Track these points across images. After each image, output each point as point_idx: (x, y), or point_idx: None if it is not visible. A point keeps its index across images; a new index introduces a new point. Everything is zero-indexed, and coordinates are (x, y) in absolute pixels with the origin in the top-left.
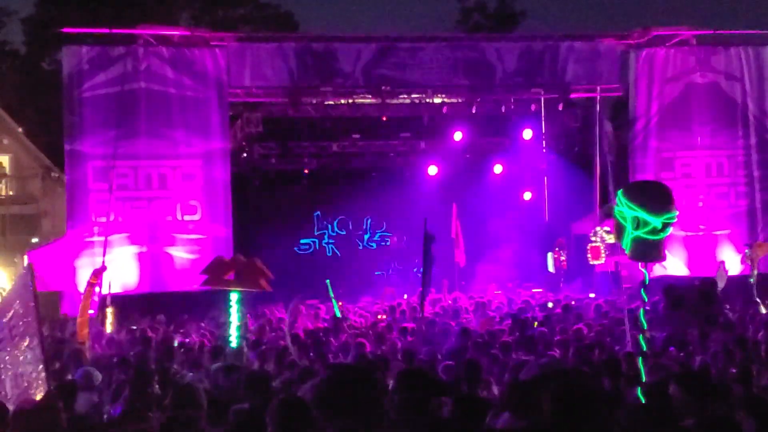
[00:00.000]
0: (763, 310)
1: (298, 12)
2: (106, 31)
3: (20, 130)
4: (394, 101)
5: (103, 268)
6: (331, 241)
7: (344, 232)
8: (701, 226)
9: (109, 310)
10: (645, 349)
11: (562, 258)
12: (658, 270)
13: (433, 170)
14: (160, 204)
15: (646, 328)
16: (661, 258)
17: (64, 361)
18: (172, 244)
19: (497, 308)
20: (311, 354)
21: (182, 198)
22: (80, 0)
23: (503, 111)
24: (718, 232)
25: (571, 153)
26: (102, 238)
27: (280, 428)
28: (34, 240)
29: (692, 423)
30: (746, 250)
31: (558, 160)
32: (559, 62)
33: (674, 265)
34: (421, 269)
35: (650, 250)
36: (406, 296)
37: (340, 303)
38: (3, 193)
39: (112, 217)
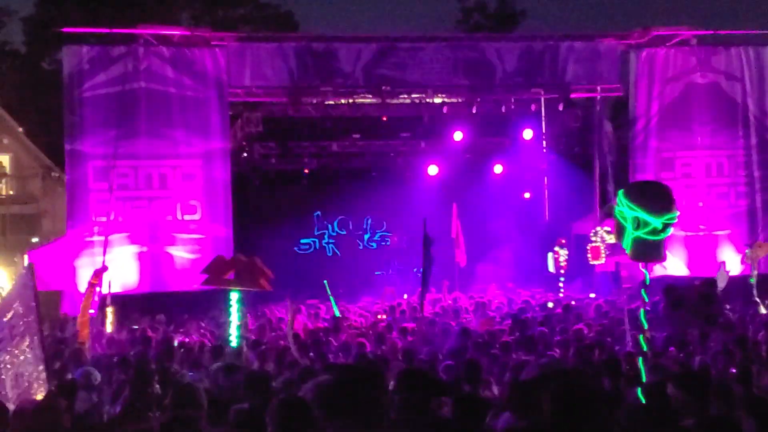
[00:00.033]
0: (763, 311)
1: (298, 12)
2: (106, 30)
3: (20, 129)
4: (395, 101)
5: (104, 268)
6: (331, 240)
7: (344, 232)
8: (701, 227)
9: (110, 310)
10: (645, 349)
11: (562, 259)
12: (658, 270)
13: (433, 170)
14: (161, 204)
15: (646, 328)
16: (661, 258)
17: (64, 361)
18: (173, 243)
19: (497, 308)
20: (311, 354)
21: (182, 198)
22: (80, 0)
23: (503, 111)
24: (719, 233)
25: (572, 153)
26: (102, 238)
27: (280, 428)
28: (35, 240)
29: (692, 423)
30: (746, 251)
31: (558, 160)
32: (560, 62)
33: (674, 265)
34: (421, 269)
35: (651, 251)
36: (406, 296)
37: (341, 303)
38: (3, 192)
39: (112, 217)
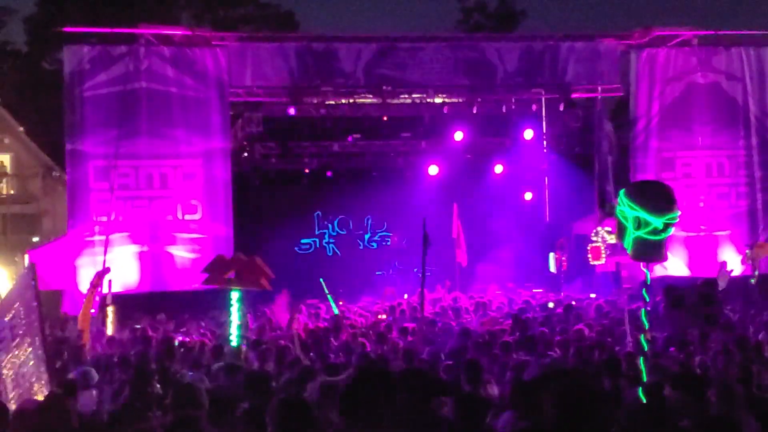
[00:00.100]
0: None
1: (298, 12)
2: (107, 30)
3: (21, 129)
4: (395, 101)
5: (106, 270)
6: (331, 240)
7: (345, 232)
8: (702, 227)
9: (110, 309)
10: (646, 349)
11: (563, 258)
12: (658, 270)
13: (433, 170)
14: (161, 203)
15: (647, 328)
16: (662, 258)
17: (65, 361)
18: (173, 243)
19: (498, 308)
20: (311, 353)
21: (183, 197)
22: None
23: (504, 111)
24: (719, 233)
25: (572, 153)
26: (103, 238)
27: (280, 428)
28: (35, 239)
29: (691, 423)
30: (747, 251)
31: (559, 160)
32: (560, 62)
33: (675, 265)
34: (421, 269)
35: (652, 250)
36: (406, 296)
37: (341, 302)
38: (4, 192)
39: (113, 217)
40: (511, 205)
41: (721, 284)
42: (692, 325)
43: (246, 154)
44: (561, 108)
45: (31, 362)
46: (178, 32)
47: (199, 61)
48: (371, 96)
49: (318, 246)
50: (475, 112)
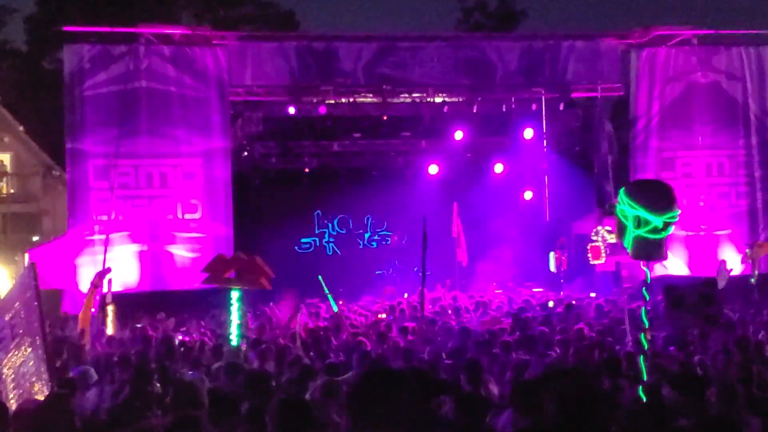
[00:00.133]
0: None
1: (299, 11)
2: (107, 29)
3: (21, 128)
4: (395, 100)
5: (107, 270)
6: (331, 239)
7: (345, 231)
8: (702, 226)
9: (110, 309)
10: (646, 348)
11: (563, 258)
12: (658, 270)
13: (433, 169)
14: (161, 202)
15: (647, 327)
16: (662, 257)
17: (65, 360)
18: (173, 242)
19: (498, 307)
20: (312, 353)
21: (183, 196)
22: None
23: (504, 110)
24: (719, 232)
25: (572, 152)
26: (103, 237)
27: (280, 428)
28: (35, 238)
29: (691, 423)
30: (747, 250)
31: (559, 159)
32: (560, 62)
33: (675, 264)
34: (421, 268)
35: (652, 249)
36: (406, 295)
37: (340, 301)
38: (4, 191)
39: (113, 216)
40: (511, 204)
41: (721, 283)
42: (692, 325)
43: (246, 154)
44: (561, 107)
45: (32, 362)
46: (178, 31)
47: (200, 61)
48: (371, 95)
49: (318, 245)
50: (475, 111)
